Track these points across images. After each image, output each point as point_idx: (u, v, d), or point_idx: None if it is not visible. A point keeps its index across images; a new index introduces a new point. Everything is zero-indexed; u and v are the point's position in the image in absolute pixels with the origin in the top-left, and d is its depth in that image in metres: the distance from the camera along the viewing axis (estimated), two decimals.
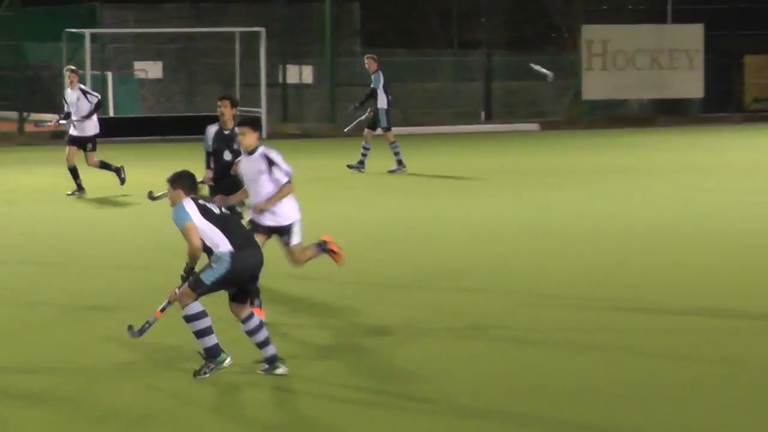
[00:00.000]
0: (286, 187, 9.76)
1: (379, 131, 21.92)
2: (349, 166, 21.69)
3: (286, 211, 10.00)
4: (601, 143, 28.96)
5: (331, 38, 34.22)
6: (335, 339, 9.21)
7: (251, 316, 8.26)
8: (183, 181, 8.23)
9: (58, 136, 25.40)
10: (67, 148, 20.08)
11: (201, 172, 11.79)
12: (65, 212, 18.69)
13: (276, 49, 33.24)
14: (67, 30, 29.72)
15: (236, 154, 11.03)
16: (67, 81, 20.72)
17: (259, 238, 9.39)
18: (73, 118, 20.07)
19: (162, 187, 9.97)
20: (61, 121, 21.12)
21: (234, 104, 11.85)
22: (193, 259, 8.17)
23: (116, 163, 20.18)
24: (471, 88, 37.63)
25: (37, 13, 36.41)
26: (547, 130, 32.98)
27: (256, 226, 9.68)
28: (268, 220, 9.83)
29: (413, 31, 43.87)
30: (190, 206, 8.10)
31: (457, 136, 31.08)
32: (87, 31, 29.86)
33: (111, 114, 30.54)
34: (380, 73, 21.52)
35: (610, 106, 37.06)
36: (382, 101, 21.30)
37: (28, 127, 30.42)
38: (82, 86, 20.82)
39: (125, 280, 11.97)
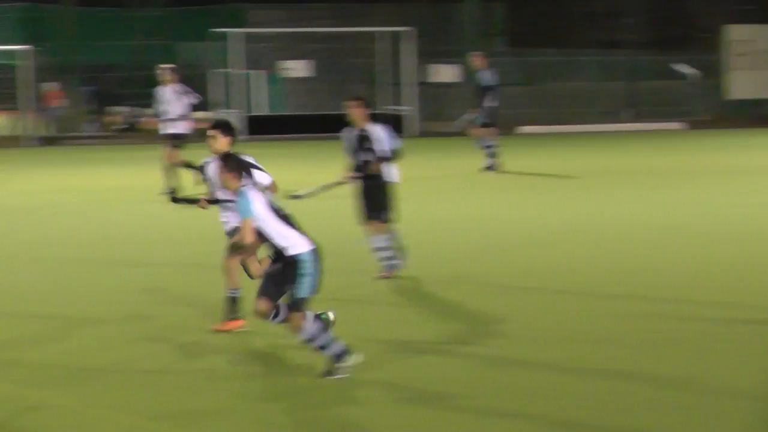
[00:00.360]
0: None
1: (485, 129, 22.08)
2: (484, 168, 21.96)
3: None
4: (746, 143, 28.86)
5: (474, 37, 35.24)
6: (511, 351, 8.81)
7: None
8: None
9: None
10: (166, 146, 20.74)
11: (335, 172, 12.50)
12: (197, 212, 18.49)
13: (422, 48, 34.30)
14: (212, 30, 31.24)
15: (370, 153, 11.32)
16: (164, 79, 21.07)
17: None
18: (168, 116, 20.79)
19: (306, 186, 10.56)
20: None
21: (364, 104, 11.87)
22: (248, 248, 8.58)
23: (264, 162, 20.41)
24: (614, 87, 38.44)
25: (186, 13, 38.34)
26: (690, 129, 33.34)
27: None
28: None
29: (557, 31, 45.14)
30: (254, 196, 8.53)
31: (600, 135, 31.72)
32: (229, 31, 31.64)
33: (255, 112, 32.69)
34: (488, 71, 21.65)
35: (756, 105, 37.30)
36: (489, 99, 21.39)
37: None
38: (179, 86, 21.19)
39: None
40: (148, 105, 28.53)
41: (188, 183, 20.37)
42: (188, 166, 20.46)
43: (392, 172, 12.33)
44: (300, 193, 12.77)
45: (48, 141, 33.73)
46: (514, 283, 11.79)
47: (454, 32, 36.58)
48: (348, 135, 11.80)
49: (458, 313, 10.89)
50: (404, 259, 12.55)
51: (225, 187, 9.18)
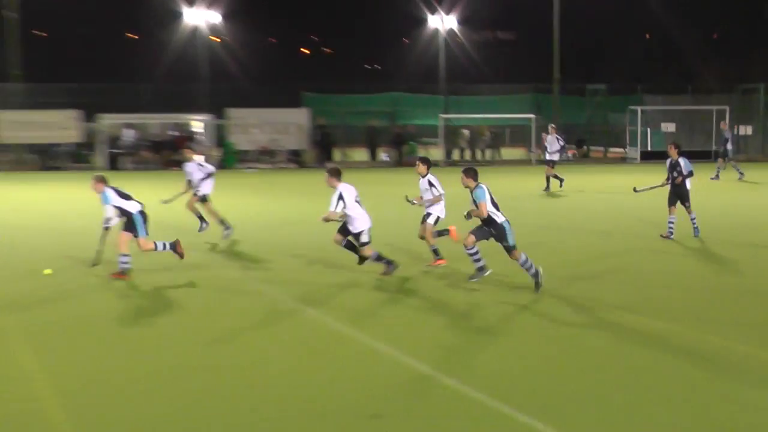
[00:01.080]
0: (435, 197, 16.26)
1: None
2: None
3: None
4: None
5: None
6: None
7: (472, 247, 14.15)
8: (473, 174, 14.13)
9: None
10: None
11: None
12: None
13: None
14: (630, 107, 50.30)
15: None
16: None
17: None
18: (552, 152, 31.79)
19: (642, 184, 21.96)
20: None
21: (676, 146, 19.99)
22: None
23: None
24: None
25: (626, 100, 54.53)
26: None
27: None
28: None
29: None
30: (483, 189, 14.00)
31: None
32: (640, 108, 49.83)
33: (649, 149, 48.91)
34: None
35: None
36: None
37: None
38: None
39: None
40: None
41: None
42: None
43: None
44: (639, 188, 21.91)
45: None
46: None
47: None
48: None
49: None
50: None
51: (465, 186, 14.26)
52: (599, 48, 78.18)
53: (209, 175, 19.61)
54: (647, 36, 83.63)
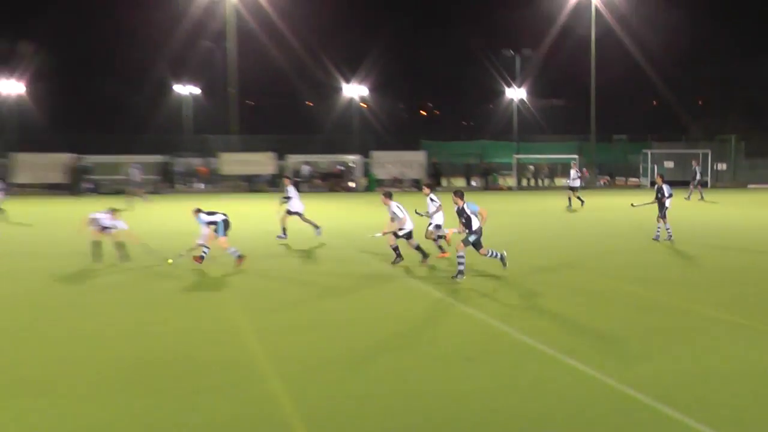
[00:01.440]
0: (437, 208, 15.68)
1: None
2: None
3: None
4: None
5: None
6: None
7: (486, 253, 12.76)
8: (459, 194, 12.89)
9: None
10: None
11: None
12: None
13: None
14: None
15: None
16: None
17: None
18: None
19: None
20: None
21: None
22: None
23: None
24: None
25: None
26: None
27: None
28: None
29: None
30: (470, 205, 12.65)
31: None
32: None
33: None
34: None
35: None
36: None
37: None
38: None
39: None
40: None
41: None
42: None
43: None
44: (635, 204, 21.02)
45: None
46: None
47: None
48: None
49: None
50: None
51: (455, 203, 12.89)
52: (622, 110, 77.27)
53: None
54: (654, 103, 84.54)
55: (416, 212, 16.03)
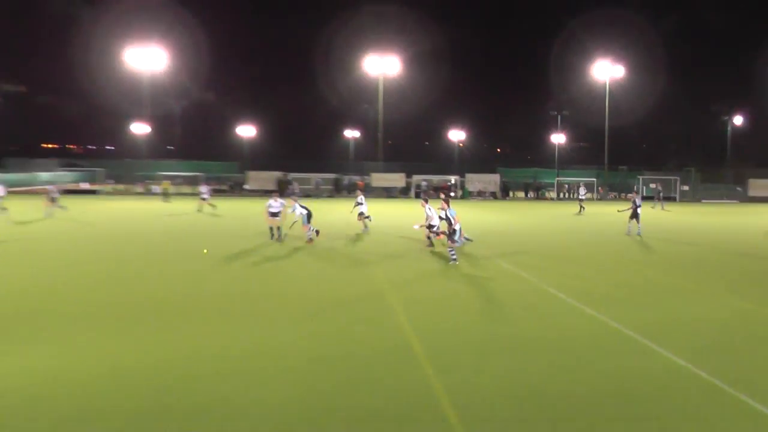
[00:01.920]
0: (429, 217, 13.99)
1: None
2: None
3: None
4: None
5: None
6: None
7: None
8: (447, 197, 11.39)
9: None
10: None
11: None
12: None
13: None
14: None
15: None
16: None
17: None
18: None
19: None
20: None
21: None
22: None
23: None
24: None
25: None
26: None
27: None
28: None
29: None
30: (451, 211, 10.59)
31: None
32: None
33: None
34: None
35: None
36: None
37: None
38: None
39: None
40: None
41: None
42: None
43: None
44: (620, 209, 20.89)
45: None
46: None
47: None
48: None
49: None
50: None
51: (441, 208, 11.69)
52: (625, 150, 77.50)
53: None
54: (644, 146, 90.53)
55: (413, 227, 16.17)
